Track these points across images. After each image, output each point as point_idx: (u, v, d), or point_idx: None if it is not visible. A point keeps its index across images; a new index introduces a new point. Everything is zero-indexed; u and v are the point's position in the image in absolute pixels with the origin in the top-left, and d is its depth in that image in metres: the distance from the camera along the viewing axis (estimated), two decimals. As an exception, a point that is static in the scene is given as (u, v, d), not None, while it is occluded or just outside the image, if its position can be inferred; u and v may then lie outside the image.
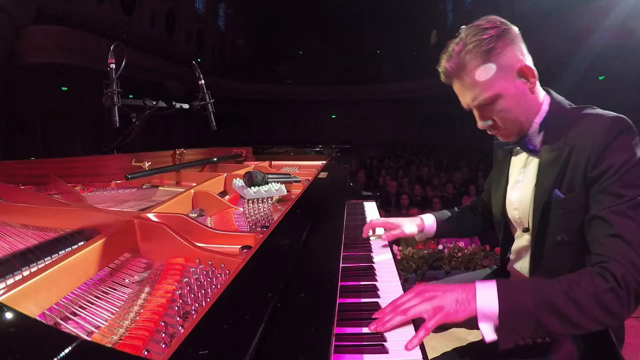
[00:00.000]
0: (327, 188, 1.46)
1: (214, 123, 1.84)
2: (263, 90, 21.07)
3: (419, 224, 1.25)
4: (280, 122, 22.41)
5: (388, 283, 0.97)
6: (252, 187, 1.33)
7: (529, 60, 0.91)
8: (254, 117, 22.43)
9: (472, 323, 1.22)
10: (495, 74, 0.86)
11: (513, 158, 1.05)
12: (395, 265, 1.11)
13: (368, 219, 1.54)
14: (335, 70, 23.04)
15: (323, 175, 1.66)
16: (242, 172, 1.60)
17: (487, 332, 0.73)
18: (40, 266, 0.71)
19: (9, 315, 0.39)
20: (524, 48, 0.90)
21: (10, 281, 0.66)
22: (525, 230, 1.02)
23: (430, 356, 0.70)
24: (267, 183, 1.38)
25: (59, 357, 0.32)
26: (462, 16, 19.62)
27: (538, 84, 0.93)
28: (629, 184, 0.78)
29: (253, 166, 2.04)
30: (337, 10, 23.08)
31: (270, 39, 24.20)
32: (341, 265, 0.80)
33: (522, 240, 1.06)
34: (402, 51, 23.14)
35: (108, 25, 13.42)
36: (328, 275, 0.67)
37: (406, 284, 0.98)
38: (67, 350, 0.33)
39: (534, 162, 0.97)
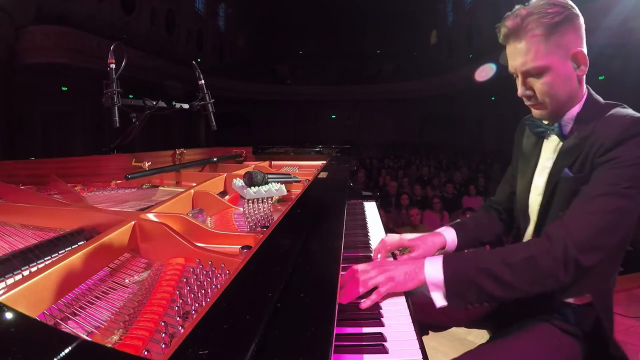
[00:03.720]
0: (327, 188, 1.46)
1: (214, 123, 1.84)
2: (263, 90, 21.07)
3: (442, 241, 1.15)
4: (280, 122, 22.39)
5: (388, 283, 0.96)
6: (252, 187, 1.33)
7: (585, 50, 0.92)
8: (254, 117, 22.42)
9: (469, 322, 1.21)
10: (551, 48, 0.88)
11: (545, 142, 1.04)
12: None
13: (368, 219, 1.54)
14: (335, 70, 23.03)
15: (323, 175, 1.66)
16: (242, 172, 1.60)
17: (438, 299, 0.84)
18: (40, 266, 0.71)
19: (9, 315, 0.39)
20: (584, 38, 0.92)
21: (10, 281, 0.66)
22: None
23: (430, 356, 0.71)
24: (267, 183, 1.38)
25: (59, 357, 0.32)
26: (462, 16, 19.60)
27: (584, 78, 0.95)
28: (626, 176, 0.81)
29: (253, 166, 2.04)
30: (337, 10, 23.06)
31: (270, 38, 24.18)
32: (341, 265, 0.80)
33: (529, 231, 1.07)
34: (402, 51, 23.16)
35: (108, 25, 13.42)
36: (328, 275, 0.67)
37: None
38: (67, 350, 0.33)
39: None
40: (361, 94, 21.45)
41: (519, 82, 0.96)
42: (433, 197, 5.77)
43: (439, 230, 1.20)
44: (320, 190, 1.39)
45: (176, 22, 18.11)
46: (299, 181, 1.59)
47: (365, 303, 0.81)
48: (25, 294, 0.55)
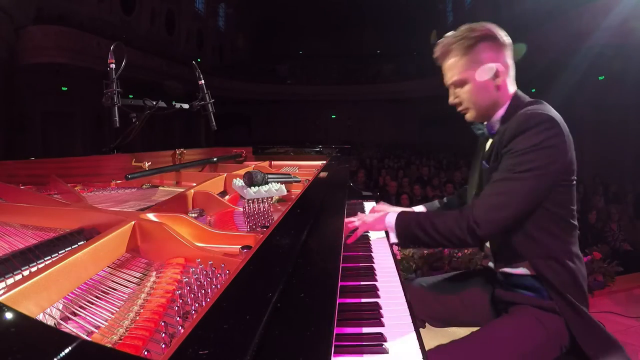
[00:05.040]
0: (327, 188, 1.46)
1: (214, 123, 1.84)
2: (263, 90, 21.04)
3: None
4: (281, 122, 22.37)
5: (388, 283, 0.97)
6: (252, 187, 1.33)
7: (507, 66, 1.09)
8: (254, 117, 22.41)
9: (468, 322, 1.27)
10: (469, 65, 1.09)
11: (487, 143, 1.18)
12: (395, 265, 1.11)
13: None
14: (335, 70, 23.01)
15: (323, 175, 1.66)
16: (242, 172, 1.60)
17: (392, 237, 1.14)
18: (40, 266, 0.71)
19: (9, 315, 0.39)
20: (507, 56, 1.10)
21: (10, 281, 0.66)
22: None
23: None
24: (267, 183, 1.38)
25: (59, 357, 0.32)
26: (462, 16, 19.58)
27: (510, 86, 1.11)
28: (518, 163, 0.98)
29: (253, 166, 2.04)
30: (337, 10, 23.04)
31: (270, 38, 24.15)
32: (341, 265, 0.80)
33: None
34: (402, 51, 23.14)
35: (108, 25, 13.42)
36: (328, 275, 0.67)
37: (406, 284, 0.99)
38: (67, 350, 0.33)
39: None
40: (361, 94, 21.42)
41: (450, 92, 1.17)
42: (433, 197, 5.76)
43: (412, 208, 1.50)
44: (320, 190, 1.39)
45: (176, 22, 18.10)
46: (299, 181, 1.59)
47: (350, 239, 1.18)
48: (25, 294, 0.55)
